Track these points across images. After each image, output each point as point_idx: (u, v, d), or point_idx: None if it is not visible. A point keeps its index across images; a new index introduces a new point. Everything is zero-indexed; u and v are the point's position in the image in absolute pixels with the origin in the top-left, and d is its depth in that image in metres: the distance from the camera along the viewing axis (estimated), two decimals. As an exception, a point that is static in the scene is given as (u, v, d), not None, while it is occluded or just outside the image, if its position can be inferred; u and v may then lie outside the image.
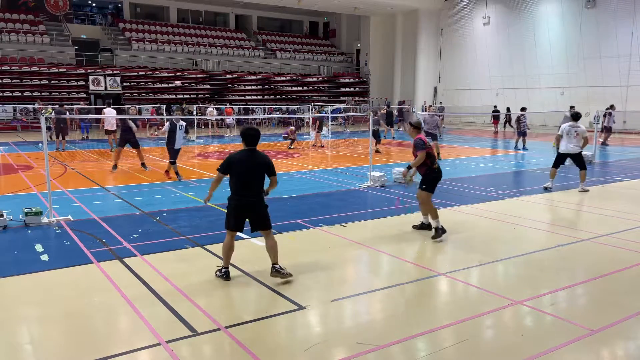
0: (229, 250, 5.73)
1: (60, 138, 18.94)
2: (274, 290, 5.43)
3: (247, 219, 5.68)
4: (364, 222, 8.49)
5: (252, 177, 5.54)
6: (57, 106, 21.62)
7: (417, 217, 8.04)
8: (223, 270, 5.75)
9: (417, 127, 7.57)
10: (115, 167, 13.64)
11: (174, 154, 12.15)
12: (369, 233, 7.92)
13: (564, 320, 4.75)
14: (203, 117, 23.69)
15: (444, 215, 8.88)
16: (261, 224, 5.69)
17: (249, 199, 5.56)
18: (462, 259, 6.57)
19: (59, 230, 7.74)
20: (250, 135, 5.62)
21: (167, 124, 12.10)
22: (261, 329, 4.62)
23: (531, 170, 14.44)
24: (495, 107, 31.94)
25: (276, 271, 5.59)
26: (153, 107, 29.81)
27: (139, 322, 4.71)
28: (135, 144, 13.60)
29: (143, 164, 13.72)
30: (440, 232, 7.31)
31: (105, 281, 5.68)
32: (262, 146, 18.54)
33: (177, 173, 12.34)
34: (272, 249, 5.67)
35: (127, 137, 13.48)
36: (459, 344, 4.30)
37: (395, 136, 25.94)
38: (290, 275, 5.64)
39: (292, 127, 20.34)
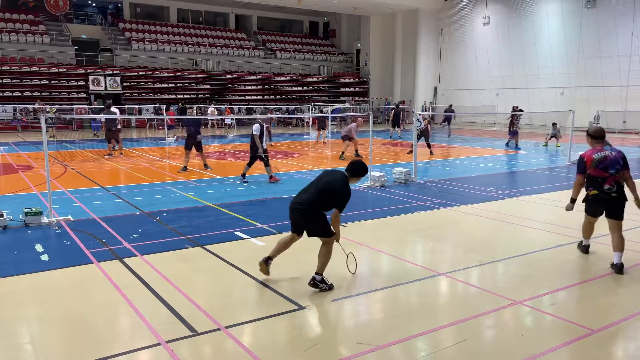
0: (280, 244, 5.75)
1: (115, 143, 17.47)
2: (274, 290, 5.43)
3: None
4: (364, 222, 8.48)
5: (309, 187, 5.58)
6: (103, 107, 20.87)
7: (417, 218, 8.02)
8: (265, 256, 5.72)
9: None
10: (185, 168, 13.94)
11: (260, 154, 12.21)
12: (369, 233, 7.92)
13: (564, 320, 4.75)
14: (203, 117, 23.78)
15: (445, 214, 8.90)
16: (310, 231, 5.56)
17: (294, 203, 5.53)
18: (462, 259, 6.57)
19: (59, 230, 7.74)
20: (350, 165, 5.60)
21: (257, 125, 12.03)
22: (261, 329, 4.62)
23: (531, 170, 14.43)
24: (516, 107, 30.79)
25: (314, 282, 5.42)
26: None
27: (139, 322, 4.71)
28: (199, 147, 14.16)
29: (206, 165, 14.41)
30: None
31: (105, 281, 5.68)
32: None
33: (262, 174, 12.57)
34: (320, 257, 5.50)
35: (192, 141, 13.93)
36: (459, 344, 4.30)
37: (402, 136, 26.08)
38: (330, 288, 5.44)
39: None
